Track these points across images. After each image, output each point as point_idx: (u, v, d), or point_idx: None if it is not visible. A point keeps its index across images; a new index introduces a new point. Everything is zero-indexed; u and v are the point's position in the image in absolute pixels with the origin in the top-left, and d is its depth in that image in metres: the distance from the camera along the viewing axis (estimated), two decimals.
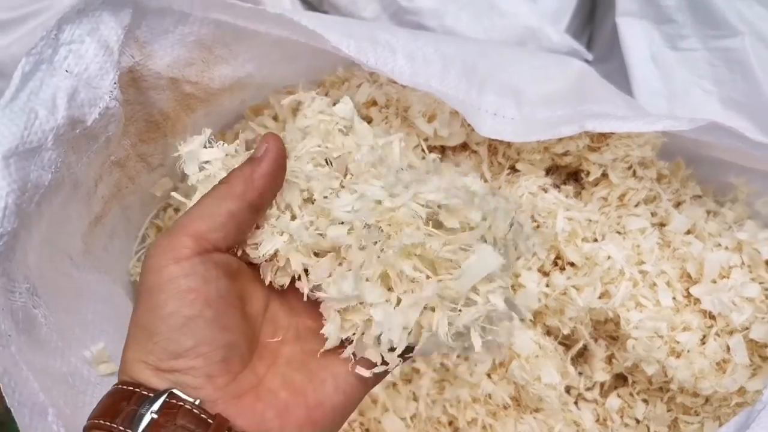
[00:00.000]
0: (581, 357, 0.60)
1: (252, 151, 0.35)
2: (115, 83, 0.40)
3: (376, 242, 0.32)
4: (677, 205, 0.61)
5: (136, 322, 0.30)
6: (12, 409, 0.34)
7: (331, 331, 0.33)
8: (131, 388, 0.29)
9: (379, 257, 0.32)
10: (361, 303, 0.32)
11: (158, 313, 0.29)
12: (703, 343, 0.54)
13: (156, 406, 0.28)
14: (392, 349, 0.32)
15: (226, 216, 0.31)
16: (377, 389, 0.57)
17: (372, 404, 0.58)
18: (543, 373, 0.55)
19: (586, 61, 0.81)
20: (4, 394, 0.34)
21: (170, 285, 0.30)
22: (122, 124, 0.44)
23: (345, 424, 0.55)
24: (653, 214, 0.59)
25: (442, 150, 0.61)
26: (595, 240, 0.58)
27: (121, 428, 0.28)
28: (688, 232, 0.59)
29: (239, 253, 0.34)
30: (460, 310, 0.31)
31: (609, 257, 0.56)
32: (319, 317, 0.34)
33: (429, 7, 0.72)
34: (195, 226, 0.31)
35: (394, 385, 0.58)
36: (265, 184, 0.33)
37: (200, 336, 0.30)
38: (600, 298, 0.56)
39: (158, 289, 0.30)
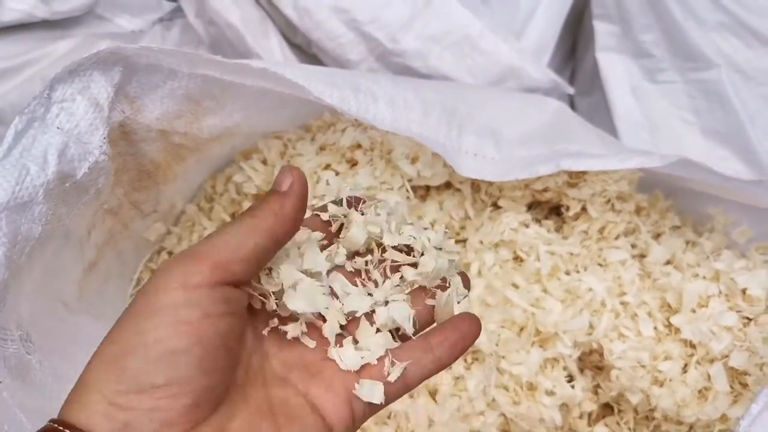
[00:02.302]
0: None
1: None
2: (104, 138, 0.42)
3: None
4: (657, 236, 0.62)
5: (110, 342, 0.27)
6: None
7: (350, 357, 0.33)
8: (64, 430, 0.26)
9: None
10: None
11: (141, 338, 0.26)
12: (685, 372, 0.55)
13: None
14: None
15: (253, 250, 0.29)
16: (368, 423, 0.58)
17: None
18: (531, 404, 0.57)
19: (569, 95, 0.83)
20: None
21: (166, 311, 0.27)
22: (112, 177, 0.46)
23: None
24: (633, 246, 0.61)
25: (427, 189, 0.63)
26: (577, 272, 0.59)
27: None
28: (668, 263, 0.60)
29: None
30: None
31: (590, 289, 0.57)
32: (286, 367, 0.33)
33: (413, 49, 0.74)
34: (217, 255, 0.29)
35: (388, 416, 0.59)
36: (292, 221, 0.31)
37: (177, 374, 0.27)
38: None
39: (152, 312, 0.27)
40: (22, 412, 0.37)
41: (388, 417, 0.58)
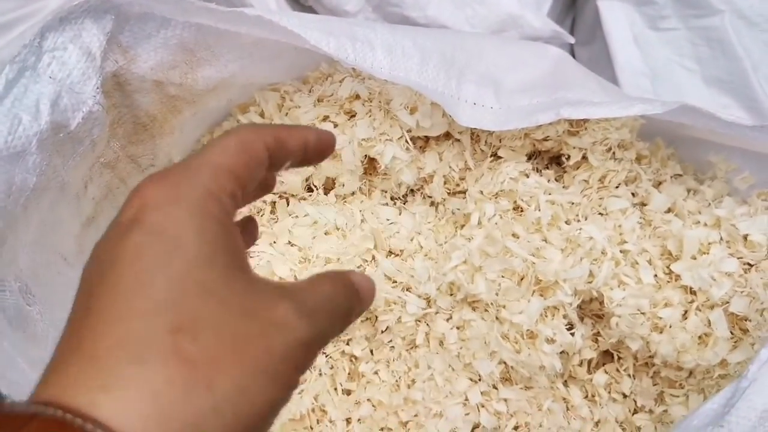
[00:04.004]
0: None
1: None
2: (98, 88, 0.42)
3: None
4: (658, 184, 0.62)
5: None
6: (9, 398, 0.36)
7: None
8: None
9: None
10: None
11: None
12: (685, 318, 0.55)
13: None
14: None
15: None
16: (365, 370, 0.59)
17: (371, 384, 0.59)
18: (531, 351, 0.57)
19: (570, 44, 0.82)
20: None
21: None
22: (107, 128, 0.46)
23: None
24: (634, 195, 0.61)
25: (426, 140, 0.63)
26: (578, 221, 0.59)
27: None
28: (669, 211, 0.60)
29: None
30: None
31: (591, 238, 0.57)
32: None
33: None
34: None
35: (388, 363, 0.60)
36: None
37: None
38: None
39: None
40: (24, 361, 0.38)
41: (388, 365, 0.59)
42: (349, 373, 0.60)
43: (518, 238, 0.58)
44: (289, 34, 0.48)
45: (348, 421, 0.59)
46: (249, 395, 0.21)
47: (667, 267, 0.57)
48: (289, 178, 0.60)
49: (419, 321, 0.59)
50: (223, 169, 0.25)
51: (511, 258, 0.56)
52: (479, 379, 0.58)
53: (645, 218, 0.60)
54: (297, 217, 0.61)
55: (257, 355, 0.21)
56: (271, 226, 0.61)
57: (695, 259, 0.56)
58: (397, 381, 0.58)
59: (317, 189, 0.62)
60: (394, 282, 0.59)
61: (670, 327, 0.55)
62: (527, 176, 0.60)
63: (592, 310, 0.60)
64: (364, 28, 0.53)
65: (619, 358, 0.60)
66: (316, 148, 0.30)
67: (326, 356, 0.61)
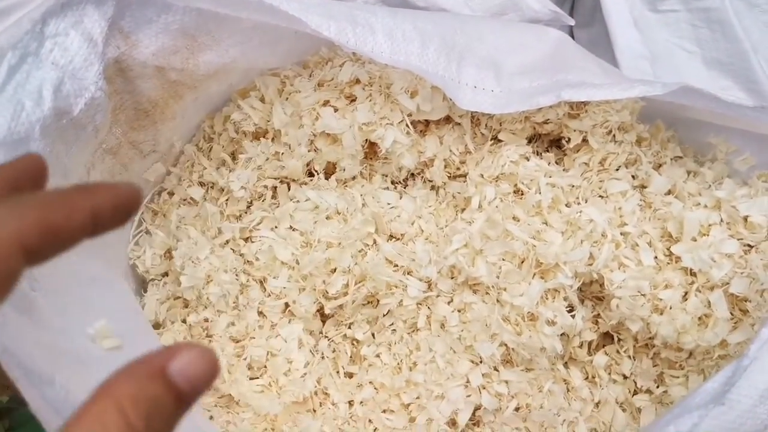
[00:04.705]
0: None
1: None
2: (100, 74, 0.42)
3: None
4: (658, 166, 0.62)
5: None
6: (16, 381, 0.36)
7: None
8: None
9: None
10: None
11: None
12: (685, 300, 0.56)
13: None
14: None
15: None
16: (368, 353, 0.60)
17: (373, 365, 0.60)
18: (532, 333, 0.57)
19: (569, 26, 0.82)
20: (5, 369, 0.36)
21: None
22: (109, 114, 0.46)
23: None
24: (634, 177, 0.61)
25: (426, 124, 0.63)
26: (578, 204, 0.59)
27: None
28: (669, 193, 0.60)
29: None
30: None
31: (591, 221, 0.57)
32: None
33: None
34: None
35: (389, 346, 0.60)
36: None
37: None
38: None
39: None
40: (31, 345, 0.38)
41: (389, 348, 0.60)
42: (351, 357, 0.61)
43: (519, 221, 0.58)
44: (290, 18, 0.48)
45: (350, 403, 0.59)
46: None
47: (668, 249, 0.57)
48: (290, 163, 0.60)
49: (420, 304, 0.60)
50: None
51: (511, 241, 0.57)
52: (480, 361, 0.58)
53: (645, 200, 0.60)
54: (298, 201, 0.61)
55: None
56: (273, 211, 0.61)
57: (695, 240, 0.56)
58: (398, 364, 0.59)
59: (318, 174, 0.62)
60: (396, 266, 0.59)
61: (671, 308, 0.55)
62: (528, 159, 0.60)
63: (592, 292, 0.60)
64: (365, 12, 0.53)
65: (620, 339, 0.61)
66: (115, 213, 0.23)
67: (328, 340, 0.61)
